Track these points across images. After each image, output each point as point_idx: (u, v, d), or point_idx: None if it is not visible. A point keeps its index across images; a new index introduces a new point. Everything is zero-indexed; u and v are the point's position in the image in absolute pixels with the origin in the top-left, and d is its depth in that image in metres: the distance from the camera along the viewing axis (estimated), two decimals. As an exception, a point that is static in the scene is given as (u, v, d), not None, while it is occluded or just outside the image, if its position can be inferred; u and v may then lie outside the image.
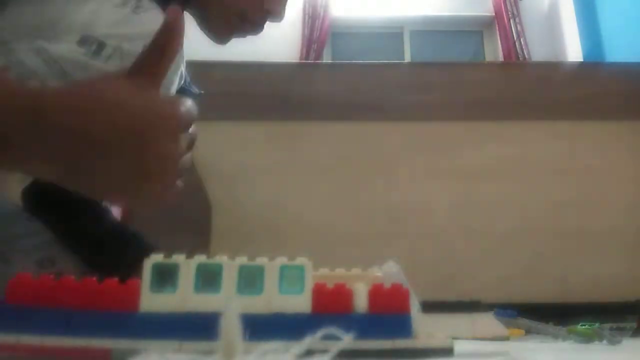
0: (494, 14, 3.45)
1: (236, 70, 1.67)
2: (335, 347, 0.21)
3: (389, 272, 0.34)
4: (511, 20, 3.33)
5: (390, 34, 3.60)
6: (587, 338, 0.48)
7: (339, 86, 1.63)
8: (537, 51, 3.26)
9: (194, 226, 1.49)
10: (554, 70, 1.80)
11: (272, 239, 1.51)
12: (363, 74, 1.65)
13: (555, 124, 1.63)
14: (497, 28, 3.41)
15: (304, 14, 3.39)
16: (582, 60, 2.92)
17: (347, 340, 0.22)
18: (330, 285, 0.29)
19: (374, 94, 1.63)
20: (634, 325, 1.06)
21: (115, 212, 2.05)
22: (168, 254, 0.27)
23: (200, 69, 1.69)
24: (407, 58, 3.49)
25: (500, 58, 3.33)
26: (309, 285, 0.28)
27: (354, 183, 1.54)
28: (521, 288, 1.48)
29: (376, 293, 0.29)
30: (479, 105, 1.63)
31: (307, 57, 3.25)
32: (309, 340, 0.21)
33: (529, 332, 0.55)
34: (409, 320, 0.29)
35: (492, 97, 1.65)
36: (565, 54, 3.21)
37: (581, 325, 0.50)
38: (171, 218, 1.51)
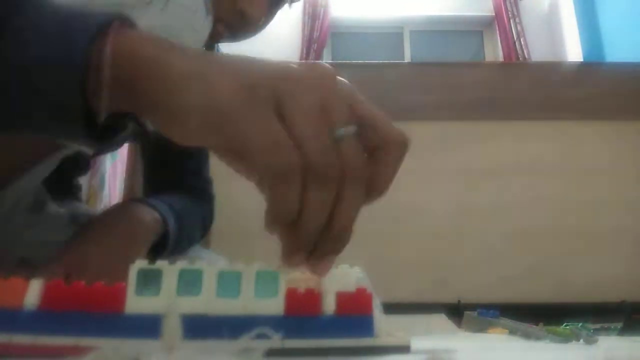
0: (494, 14, 3.45)
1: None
2: (265, 345, 0.23)
3: (354, 276, 0.37)
4: (511, 20, 3.33)
5: (390, 34, 3.60)
6: (564, 338, 0.50)
7: (338, 86, 1.62)
8: (537, 51, 3.26)
9: (194, 226, 1.49)
10: (554, 70, 1.80)
11: (271, 239, 1.50)
12: (363, 74, 1.65)
13: (555, 124, 1.63)
14: (497, 28, 3.42)
15: (304, 14, 3.39)
16: (582, 60, 2.93)
17: (277, 339, 0.25)
18: (302, 289, 0.32)
19: (374, 94, 1.62)
20: (620, 325, 1.07)
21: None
22: (152, 260, 0.29)
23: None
24: (407, 58, 3.50)
25: (500, 58, 3.33)
26: (282, 289, 0.31)
27: (353, 183, 1.53)
28: (521, 288, 1.48)
29: (342, 297, 0.32)
30: (479, 105, 1.63)
31: (307, 57, 3.26)
32: (245, 339, 0.23)
33: (512, 332, 0.58)
34: (372, 321, 0.33)
35: (492, 97, 1.65)
36: (565, 54, 3.21)
37: (565, 326, 0.51)
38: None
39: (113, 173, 2.11)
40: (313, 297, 0.33)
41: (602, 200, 1.56)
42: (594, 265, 1.50)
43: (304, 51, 3.28)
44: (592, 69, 1.87)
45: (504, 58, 3.28)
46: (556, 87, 1.67)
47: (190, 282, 0.29)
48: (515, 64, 2.89)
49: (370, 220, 1.58)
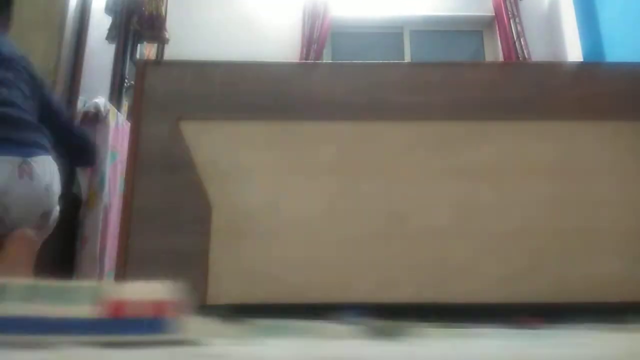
0: (494, 14, 3.45)
1: (236, 70, 1.66)
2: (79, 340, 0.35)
3: (162, 290, 0.54)
4: (511, 20, 3.33)
5: (390, 34, 3.60)
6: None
7: (338, 86, 1.63)
8: (537, 51, 3.27)
9: (194, 226, 1.49)
10: (554, 70, 1.80)
11: (272, 239, 1.51)
12: (363, 74, 1.65)
13: (555, 124, 1.62)
14: (497, 28, 3.42)
15: (304, 14, 3.39)
16: (582, 60, 2.93)
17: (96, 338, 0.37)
18: (112, 298, 0.47)
19: (374, 94, 1.62)
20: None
21: (114, 217, 2.03)
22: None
23: (200, 69, 1.69)
24: (407, 58, 3.50)
25: (500, 58, 3.33)
26: (101, 299, 0.44)
27: (353, 183, 1.53)
28: (521, 288, 1.48)
29: (146, 304, 0.48)
30: (479, 105, 1.63)
31: (307, 57, 3.26)
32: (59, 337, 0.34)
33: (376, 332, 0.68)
34: (166, 322, 0.48)
35: (492, 97, 1.64)
36: (565, 54, 3.21)
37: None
38: (171, 218, 1.51)
39: (113, 173, 2.12)
40: (120, 305, 0.47)
41: (602, 200, 1.56)
42: (594, 265, 1.50)
43: (304, 51, 3.28)
44: (592, 69, 1.87)
45: (504, 58, 3.28)
46: (556, 87, 1.67)
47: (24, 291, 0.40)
48: (515, 64, 2.89)
49: (370, 220, 1.58)
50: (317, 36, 3.33)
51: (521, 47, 3.25)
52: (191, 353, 0.49)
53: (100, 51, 2.31)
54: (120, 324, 0.45)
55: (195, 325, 0.52)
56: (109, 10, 2.45)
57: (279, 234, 1.57)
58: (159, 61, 2.58)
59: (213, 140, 1.65)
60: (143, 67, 1.75)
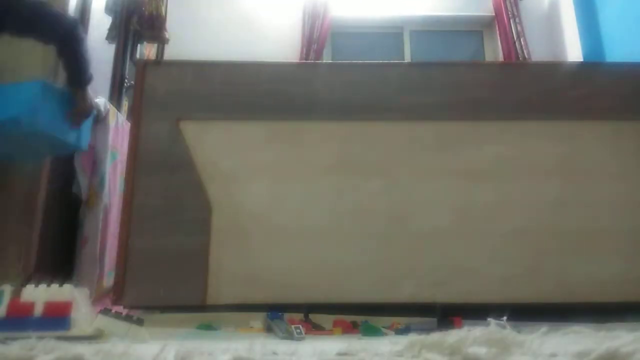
0: (494, 14, 3.45)
1: (236, 70, 1.66)
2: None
3: (75, 294, 0.73)
4: (511, 20, 3.33)
5: (390, 34, 3.60)
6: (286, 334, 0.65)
7: (338, 86, 1.63)
8: (537, 51, 3.27)
9: (194, 226, 1.49)
10: (554, 70, 1.79)
11: (272, 239, 1.51)
12: (363, 74, 1.65)
13: (555, 124, 1.62)
14: (497, 28, 3.42)
15: (304, 14, 3.39)
16: (582, 60, 2.93)
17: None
18: (20, 300, 0.66)
19: (374, 94, 1.62)
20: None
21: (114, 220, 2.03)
22: None
23: (200, 69, 1.69)
24: (407, 58, 3.50)
25: (500, 58, 3.33)
26: (7, 299, 0.61)
27: (353, 183, 1.53)
28: (521, 288, 1.48)
29: (48, 305, 0.65)
30: (479, 105, 1.63)
31: (307, 57, 3.26)
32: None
33: (268, 330, 0.82)
34: (68, 320, 0.65)
35: (492, 97, 1.64)
36: (565, 54, 3.21)
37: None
38: (171, 218, 1.51)
39: (113, 173, 2.11)
40: (27, 305, 0.61)
41: (602, 200, 1.56)
42: (594, 265, 1.50)
43: (304, 51, 3.28)
44: (592, 69, 1.87)
45: (504, 58, 3.28)
46: (556, 87, 1.67)
47: None
48: (515, 64, 2.89)
49: (370, 220, 1.58)
50: (317, 36, 3.33)
51: (521, 47, 3.25)
52: (95, 350, 0.53)
53: (100, 51, 2.31)
54: (25, 322, 0.58)
55: (100, 324, 0.63)
56: (109, 10, 2.45)
57: (278, 234, 1.57)
58: (159, 61, 2.58)
59: (213, 140, 1.65)
60: (143, 67, 1.75)
